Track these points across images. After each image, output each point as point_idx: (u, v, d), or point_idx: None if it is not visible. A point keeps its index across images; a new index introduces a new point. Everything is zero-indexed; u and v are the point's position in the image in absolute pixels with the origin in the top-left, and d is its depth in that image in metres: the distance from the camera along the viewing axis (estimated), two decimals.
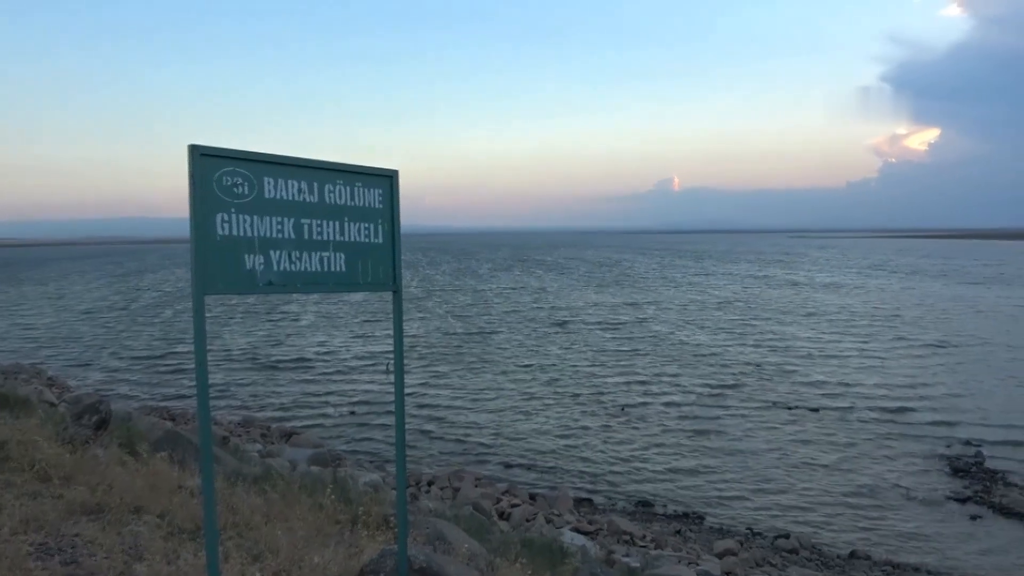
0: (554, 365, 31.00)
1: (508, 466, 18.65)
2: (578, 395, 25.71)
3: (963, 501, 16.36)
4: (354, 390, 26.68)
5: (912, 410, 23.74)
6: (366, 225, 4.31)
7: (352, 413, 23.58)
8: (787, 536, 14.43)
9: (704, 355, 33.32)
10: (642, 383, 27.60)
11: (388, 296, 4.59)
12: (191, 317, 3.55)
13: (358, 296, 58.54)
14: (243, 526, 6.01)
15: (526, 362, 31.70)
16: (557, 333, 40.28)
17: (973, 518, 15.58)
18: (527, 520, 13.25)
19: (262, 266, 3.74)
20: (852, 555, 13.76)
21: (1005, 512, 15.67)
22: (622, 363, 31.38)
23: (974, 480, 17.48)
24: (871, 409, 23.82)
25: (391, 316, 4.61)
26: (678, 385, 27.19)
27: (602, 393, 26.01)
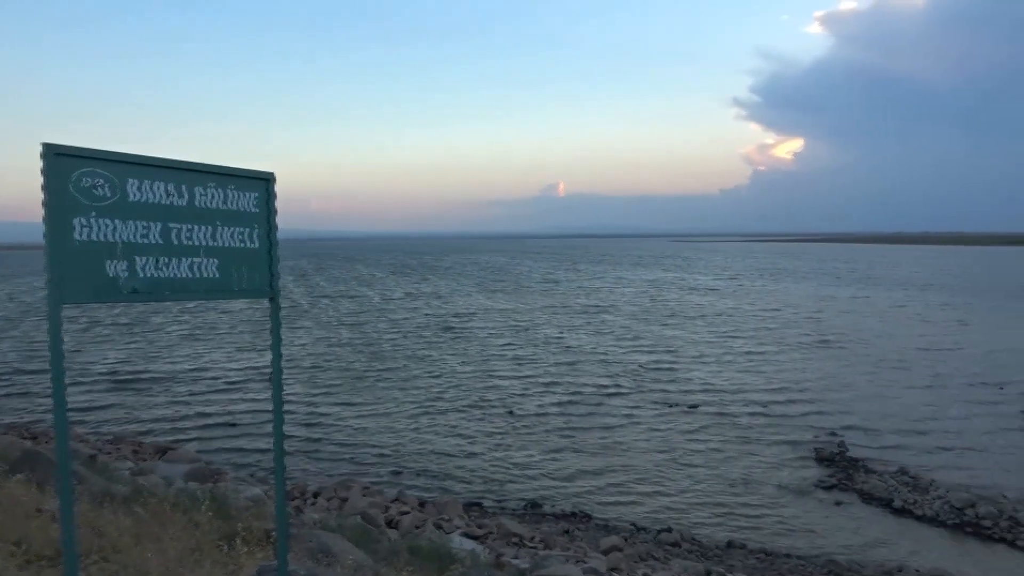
0: (444, 371, 30.91)
1: (398, 473, 18.44)
2: (468, 400, 25.74)
3: (829, 488, 17.46)
4: (236, 401, 25.70)
5: (783, 405, 25.15)
6: (240, 230, 4.15)
7: (233, 425, 22.69)
8: (669, 530, 14.95)
9: (590, 357, 34.08)
10: (531, 386, 27.94)
11: (267, 304, 4.45)
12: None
13: (239, 304, 56.51)
14: (109, 549, 5.65)
15: (416, 369, 31.46)
16: (447, 339, 40.20)
17: (838, 503, 16.66)
18: (417, 527, 13.13)
19: (125, 273, 3.53)
20: (729, 545, 14.42)
21: (865, 497, 16.85)
22: (511, 367, 31.66)
23: (838, 468, 18.68)
24: (746, 404, 25.06)
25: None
26: (565, 387, 27.68)
27: (492, 398, 26.15)
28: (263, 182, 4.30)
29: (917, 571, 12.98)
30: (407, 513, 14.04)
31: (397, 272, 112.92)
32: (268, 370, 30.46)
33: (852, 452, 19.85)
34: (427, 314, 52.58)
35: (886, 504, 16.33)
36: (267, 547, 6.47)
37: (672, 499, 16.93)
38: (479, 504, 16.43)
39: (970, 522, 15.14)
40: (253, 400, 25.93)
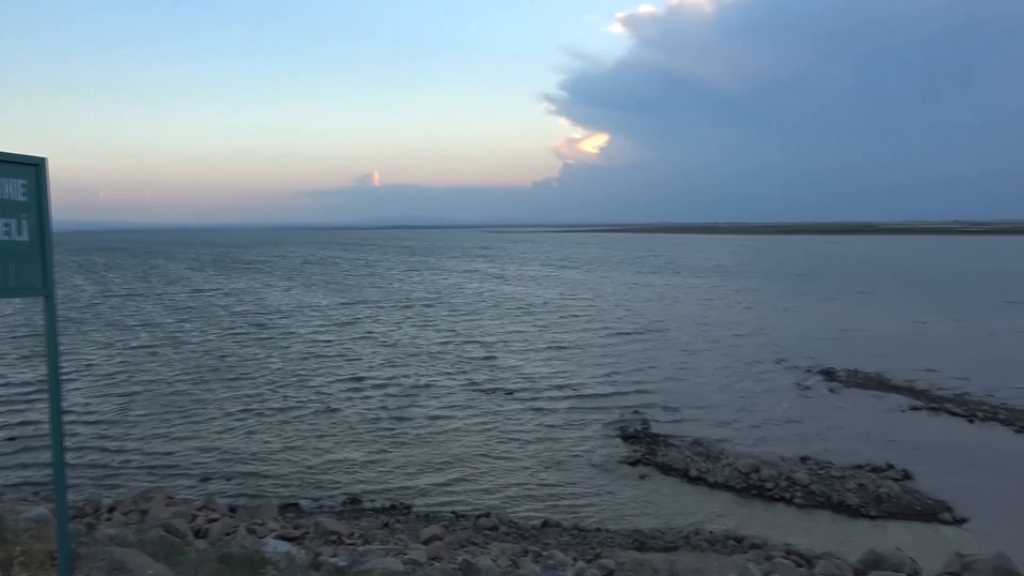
0: (258, 371, 29.58)
1: (206, 480, 17.45)
2: (284, 399, 24.84)
3: (634, 464, 18.63)
4: (16, 413, 23.09)
5: (592, 388, 26.50)
6: (6, 221, 3.75)
7: (12, 440, 20.40)
8: (488, 515, 15.29)
9: (412, 351, 34.03)
10: (351, 382, 27.44)
11: (41, 302, 4.04)
12: None
13: (16, 302, 50.86)
14: None
15: (227, 370, 29.85)
16: (261, 338, 38.46)
17: (642, 477, 17.82)
18: (227, 534, 12.51)
19: None
20: (545, 524, 15.00)
21: (665, 469, 18.15)
22: (330, 364, 30.91)
23: (642, 444, 19.98)
24: (559, 389, 26.15)
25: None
26: (385, 381, 27.45)
27: (309, 396, 25.40)
28: (32, 168, 3.90)
29: (711, 533, 14.17)
30: (216, 520, 13.33)
31: (201, 267, 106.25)
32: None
33: (654, 428, 21.30)
34: (238, 311, 49.99)
35: (683, 474, 17.69)
36: (51, 570, 5.90)
37: (490, 484, 17.33)
38: (295, 505, 15.94)
39: (755, 485, 16.75)
40: (41, 411, 23.43)
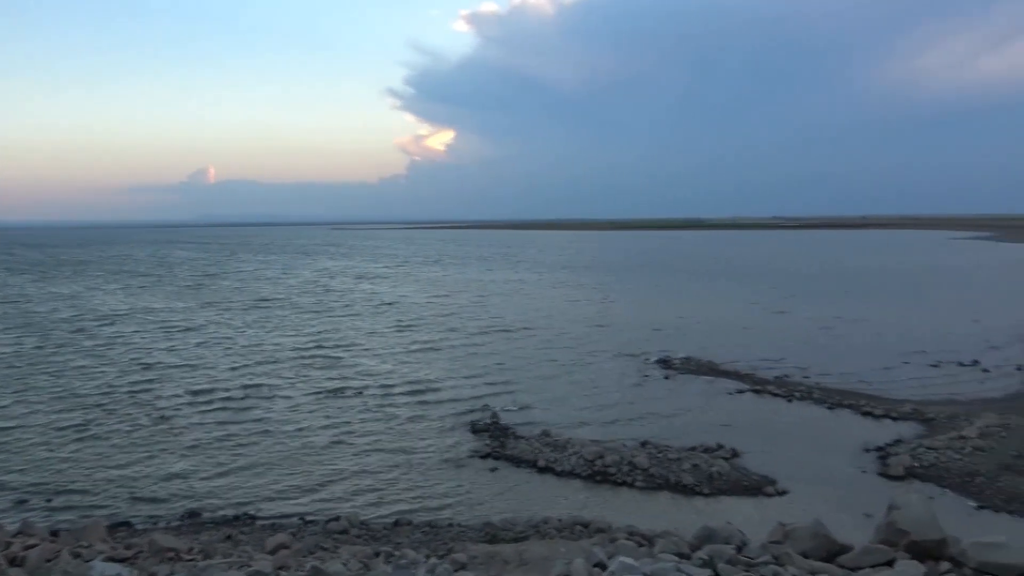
0: (83, 383, 27.38)
1: (23, 502, 15.98)
2: (113, 412, 23.12)
3: (484, 457, 18.89)
4: None
5: (443, 384, 26.57)
6: None
7: None
8: (338, 519, 14.98)
9: (255, 354, 32.71)
10: (189, 391, 25.96)
11: None
12: None
13: None
14: None
15: (47, 384, 27.39)
16: (87, 346, 35.58)
17: (492, 470, 18.10)
18: (48, 560, 11.48)
19: None
20: (396, 524, 14.90)
21: (515, 461, 18.54)
22: (165, 372, 29.10)
23: (492, 438, 20.28)
24: (410, 387, 26.04)
25: None
26: (227, 387, 26.22)
27: (142, 406, 23.81)
28: None
29: (559, 520, 14.60)
30: (34, 546, 12.21)
31: (16, 269, 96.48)
32: None
33: (504, 422, 21.68)
34: (63, 318, 45.88)
35: (532, 465, 18.14)
36: None
37: (341, 487, 16.99)
38: (127, 524, 14.94)
39: (600, 471, 17.44)
40: None
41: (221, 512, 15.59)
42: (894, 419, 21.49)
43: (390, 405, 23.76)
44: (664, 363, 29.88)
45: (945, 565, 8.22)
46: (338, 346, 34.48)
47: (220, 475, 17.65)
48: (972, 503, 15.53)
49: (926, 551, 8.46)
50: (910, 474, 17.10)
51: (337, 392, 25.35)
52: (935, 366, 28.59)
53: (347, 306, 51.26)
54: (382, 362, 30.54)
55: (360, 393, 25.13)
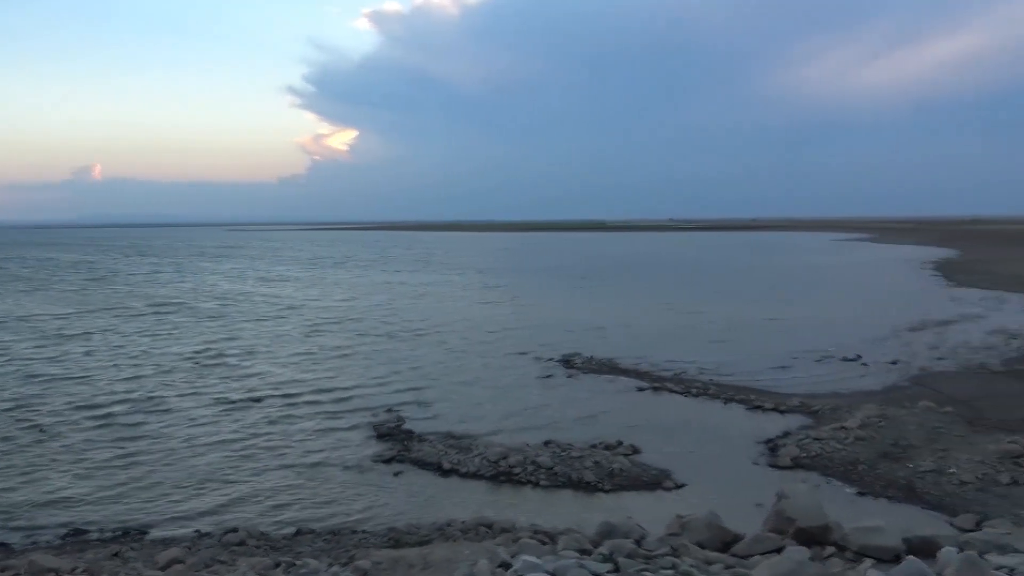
0: None
1: None
2: None
3: (388, 461, 18.67)
4: None
5: (346, 389, 26.12)
6: None
7: None
8: (235, 530, 14.48)
9: (148, 361, 31.24)
10: (71, 402, 24.50)
11: None
12: None
13: None
14: None
15: None
16: None
17: (397, 474, 17.92)
18: None
19: None
20: (297, 533, 14.52)
21: (420, 464, 18.41)
22: (47, 384, 27.28)
23: (396, 441, 20.07)
24: (312, 393, 25.47)
25: None
26: (115, 398, 24.90)
27: (18, 421, 22.27)
28: None
29: (463, 522, 14.59)
30: None
31: None
32: None
33: (408, 425, 21.50)
34: None
35: (437, 468, 18.07)
36: None
37: (238, 498, 16.43)
38: (3, 545, 13.97)
39: (504, 472, 17.54)
40: None
41: (108, 529, 14.81)
42: (782, 412, 22.55)
43: (292, 412, 23.15)
44: (567, 363, 30.34)
45: (829, 550, 8.69)
46: (238, 353, 33.30)
47: (108, 491, 16.73)
48: (853, 490, 16.48)
49: (812, 537, 8.92)
50: (797, 464, 17.98)
51: (237, 401, 24.50)
52: (820, 361, 30.16)
53: (248, 310, 49.61)
54: (284, 368, 29.72)
55: (261, 401, 24.37)
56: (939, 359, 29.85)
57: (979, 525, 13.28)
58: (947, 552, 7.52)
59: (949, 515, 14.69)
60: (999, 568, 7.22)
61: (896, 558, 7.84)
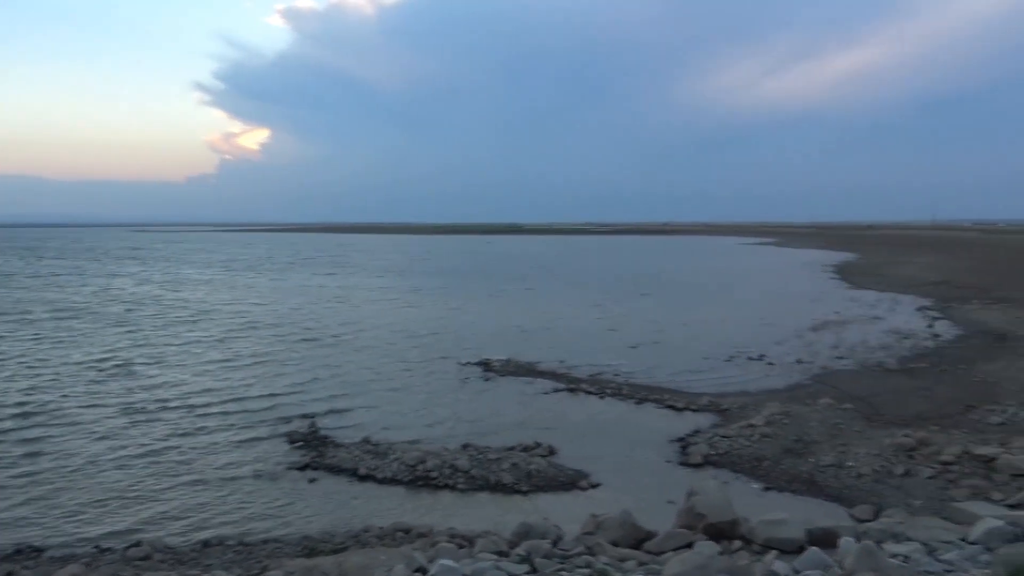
0: None
1: None
2: None
3: (302, 468, 18.27)
4: None
5: (258, 396, 25.43)
6: None
7: None
8: (139, 544, 13.88)
9: (43, 371, 29.55)
10: None
11: None
12: None
13: None
14: None
15: None
16: None
17: (311, 481, 17.55)
18: None
19: None
20: (206, 545, 14.04)
21: (335, 470, 18.09)
22: None
23: (310, 448, 19.66)
24: (222, 401, 24.66)
25: None
26: (7, 412, 23.41)
27: None
28: None
29: (380, 528, 14.42)
30: None
31: None
32: None
33: (323, 431, 21.09)
34: None
35: (353, 473, 17.79)
36: None
37: (143, 511, 15.74)
38: None
39: (421, 476, 17.43)
40: None
41: (0, 549, 13.95)
42: (694, 411, 23.22)
43: (203, 422, 22.34)
44: (485, 366, 30.39)
45: (737, 543, 9.00)
46: (146, 361, 31.78)
47: (3, 512, 15.75)
48: (760, 485, 17.11)
49: (721, 532, 9.22)
50: (707, 462, 18.54)
51: (144, 411, 23.46)
52: (729, 361, 31.19)
53: (157, 315, 47.43)
54: (195, 376, 28.61)
55: (170, 411, 23.41)
56: (839, 358, 31.35)
57: (876, 515, 14.00)
58: (846, 542, 7.91)
59: (848, 506, 15.43)
60: (894, 556, 7.64)
61: (799, 549, 8.19)
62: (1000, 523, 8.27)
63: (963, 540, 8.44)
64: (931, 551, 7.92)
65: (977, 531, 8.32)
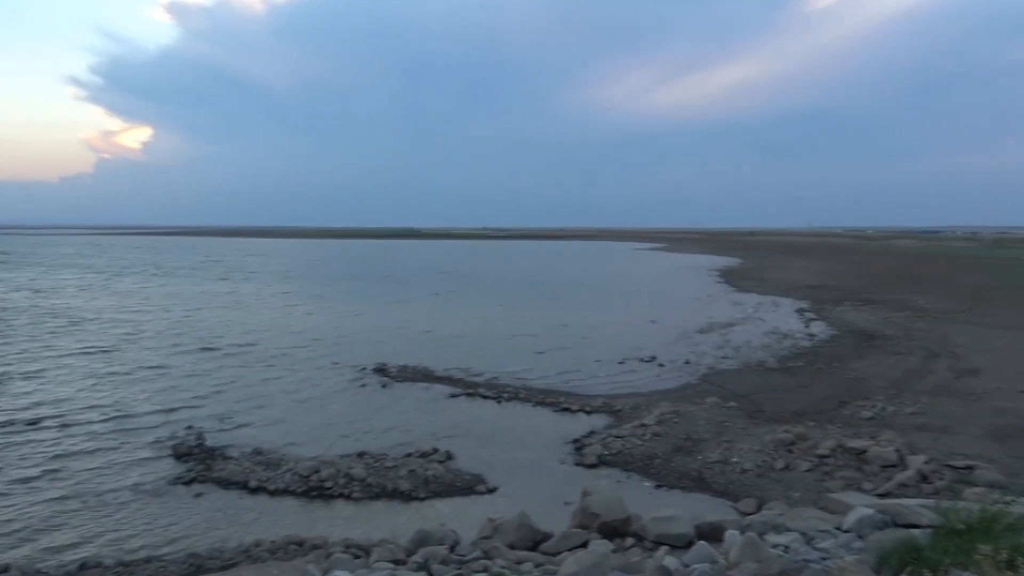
0: None
1: None
2: None
3: (188, 483, 17.49)
4: None
5: (144, 409, 24.11)
6: None
7: None
8: (7, 569, 12.92)
9: None
10: None
11: None
12: None
13: None
14: None
15: None
16: None
17: (197, 496, 16.82)
18: None
19: None
20: (82, 567, 13.21)
21: (224, 483, 17.41)
22: None
23: (197, 461, 18.84)
24: (97, 414, 23.24)
25: None
26: None
27: None
28: None
29: (272, 542, 13.96)
30: None
31: None
32: None
33: (211, 443, 20.25)
34: None
35: (243, 486, 17.17)
36: None
37: (12, 534, 14.68)
38: None
39: (316, 486, 17.02)
40: None
41: None
42: (588, 413, 23.69)
43: (78, 437, 20.97)
44: (381, 372, 30.01)
45: (630, 540, 9.24)
46: (16, 373, 29.53)
47: None
48: (651, 483, 17.66)
49: (615, 530, 9.44)
50: (601, 462, 18.97)
51: (13, 427, 21.81)
52: (621, 363, 32.00)
53: (30, 325, 43.89)
54: (73, 389, 26.73)
55: (42, 426, 21.87)
56: (724, 358, 32.73)
57: (759, 508, 14.71)
58: (731, 535, 8.26)
59: (733, 501, 16.15)
60: (775, 546, 8.03)
61: (688, 544, 8.51)
62: (871, 512, 8.83)
63: (838, 529, 8.98)
64: (809, 540, 8.39)
65: (850, 520, 8.86)
